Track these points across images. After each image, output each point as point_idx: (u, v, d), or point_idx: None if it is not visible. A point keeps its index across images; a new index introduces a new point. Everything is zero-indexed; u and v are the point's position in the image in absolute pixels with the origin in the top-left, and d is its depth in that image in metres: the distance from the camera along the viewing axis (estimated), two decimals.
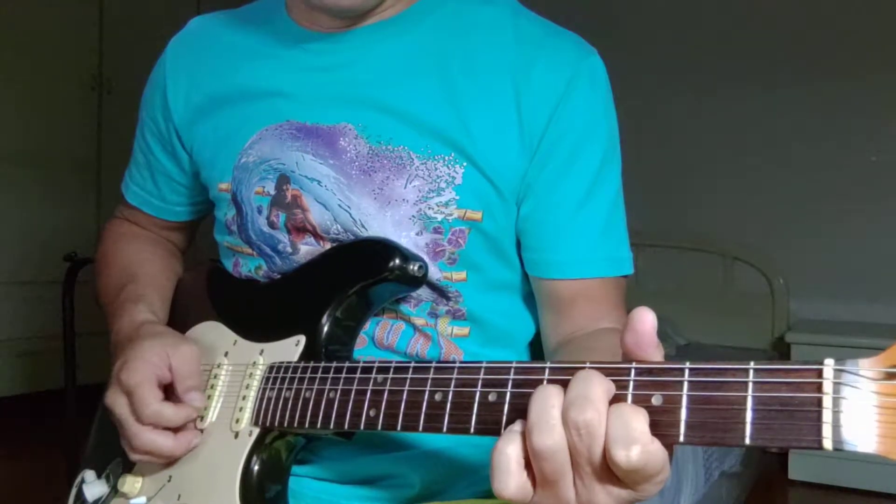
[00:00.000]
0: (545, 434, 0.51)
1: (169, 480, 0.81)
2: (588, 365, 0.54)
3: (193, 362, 0.81)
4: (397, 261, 0.78)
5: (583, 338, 0.82)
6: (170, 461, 0.81)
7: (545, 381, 0.55)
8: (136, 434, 0.78)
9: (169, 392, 0.80)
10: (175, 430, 0.79)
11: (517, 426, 0.53)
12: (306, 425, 0.71)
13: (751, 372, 0.47)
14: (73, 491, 0.91)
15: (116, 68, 3.86)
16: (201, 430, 0.81)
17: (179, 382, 0.79)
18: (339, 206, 0.84)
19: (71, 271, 2.43)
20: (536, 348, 0.95)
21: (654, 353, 0.53)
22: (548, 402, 0.52)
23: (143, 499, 0.82)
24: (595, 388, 0.51)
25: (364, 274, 0.79)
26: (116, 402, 0.79)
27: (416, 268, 0.79)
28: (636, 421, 0.49)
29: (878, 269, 3.33)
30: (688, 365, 0.50)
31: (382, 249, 0.80)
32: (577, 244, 0.84)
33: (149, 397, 0.77)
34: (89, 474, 0.89)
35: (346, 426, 0.68)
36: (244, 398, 0.78)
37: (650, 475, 0.49)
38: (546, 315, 0.88)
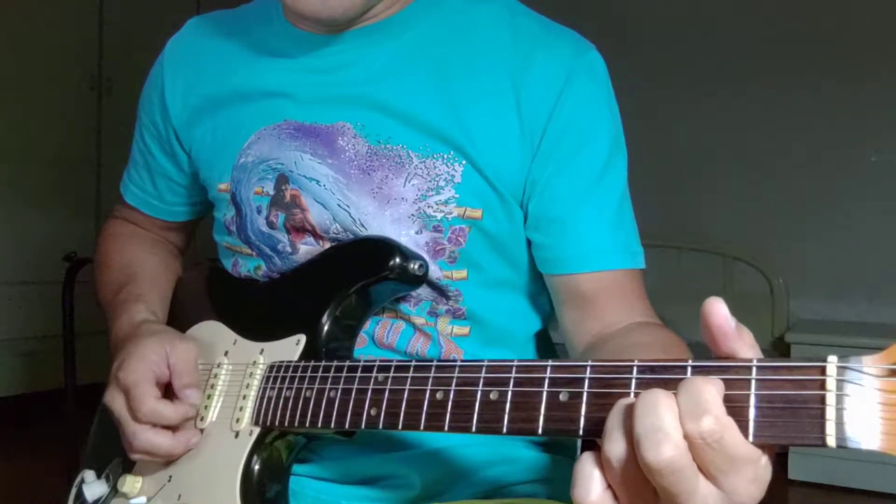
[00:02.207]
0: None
1: (169, 480, 0.81)
2: (590, 363, 0.53)
3: (191, 360, 0.81)
4: (398, 259, 0.78)
5: (621, 334, 0.80)
6: (169, 460, 0.81)
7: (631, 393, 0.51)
8: (135, 433, 0.78)
9: (168, 391, 0.80)
10: (174, 429, 0.79)
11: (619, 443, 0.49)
12: (307, 425, 0.71)
13: (754, 369, 0.47)
14: (73, 491, 0.91)
15: (116, 68, 3.85)
16: (201, 430, 0.80)
17: (177, 379, 0.79)
18: (339, 205, 0.84)
19: (71, 271, 2.43)
20: (537, 347, 0.95)
21: (738, 345, 0.49)
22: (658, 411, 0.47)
23: (143, 499, 0.82)
24: (707, 391, 0.46)
25: (364, 273, 0.79)
26: (115, 400, 0.80)
27: (416, 266, 0.79)
28: (707, 392, 0.46)
29: (878, 269, 3.33)
30: (690, 363, 0.49)
31: (383, 248, 0.80)
32: (592, 236, 0.83)
33: (145, 395, 0.77)
34: (89, 474, 0.89)
35: (347, 425, 0.68)
36: (244, 398, 0.78)
37: (734, 460, 0.46)
38: (568, 314, 0.85)
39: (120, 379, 0.79)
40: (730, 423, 0.46)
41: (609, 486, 0.49)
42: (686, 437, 0.46)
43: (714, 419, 0.45)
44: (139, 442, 0.78)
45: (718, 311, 0.48)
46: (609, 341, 0.80)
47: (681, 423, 0.46)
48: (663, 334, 0.78)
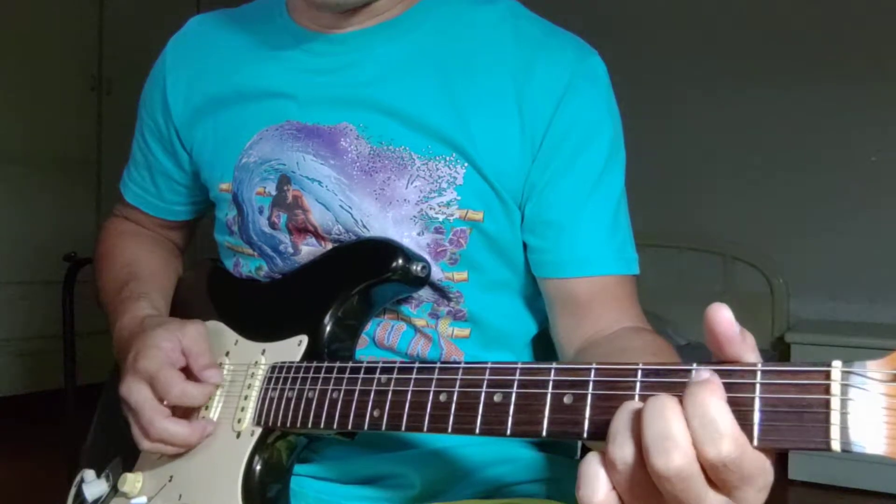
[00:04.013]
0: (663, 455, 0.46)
1: (170, 480, 0.81)
2: (594, 366, 0.53)
3: (203, 341, 0.81)
4: (400, 261, 0.78)
5: (610, 339, 0.80)
6: (177, 455, 0.80)
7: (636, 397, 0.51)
8: (152, 421, 0.77)
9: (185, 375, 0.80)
10: (188, 419, 0.79)
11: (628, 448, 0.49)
12: (309, 425, 0.71)
13: (758, 373, 0.47)
14: (73, 490, 0.91)
15: (116, 68, 3.85)
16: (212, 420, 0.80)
17: (194, 361, 0.79)
18: (341, 206, 0.84)
19: (71, 271, 2.43)
20: (536, 349, 0.95)
21: (742, 349, 0.48)
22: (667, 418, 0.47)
23: (144, 498, 0.81)
24: (715, 410, 0.46)
25: (367, 274, 0.79)
26: (133, 391, 0.78)
27: (419, 268, 0.79)
28: (718, 413, 0.45)
29: (878, 269, 3.33)
30: (695, 366, 0.49)
31: (386, 249, 0.80)
32: (588, 241, 0.83)
33: (174, 378, 0.77)
34: (89, 473, 0.89)
35: (349, 426, 0.68)
36: (246, 398, 0.78)
37: (747, 475, 0.46)
38: (560, 318, 0.85)
39: (140, 369, 0.78)
40: (744, 440, 0.45)
41: (615, 487, 0.49)
42: (703, 461, 0.45)
43: (731, 441, 0.45)
44: (155, 430, 0.77)
45: (724, 317, 0.48)
46: (599, 346, 0.80)
47: (695, 449, 0.45)
48: (653, 339, 0.78)
